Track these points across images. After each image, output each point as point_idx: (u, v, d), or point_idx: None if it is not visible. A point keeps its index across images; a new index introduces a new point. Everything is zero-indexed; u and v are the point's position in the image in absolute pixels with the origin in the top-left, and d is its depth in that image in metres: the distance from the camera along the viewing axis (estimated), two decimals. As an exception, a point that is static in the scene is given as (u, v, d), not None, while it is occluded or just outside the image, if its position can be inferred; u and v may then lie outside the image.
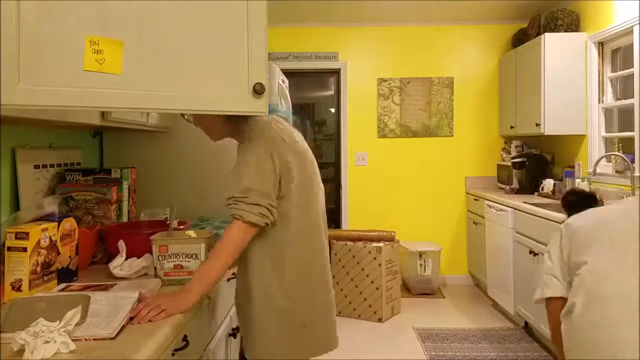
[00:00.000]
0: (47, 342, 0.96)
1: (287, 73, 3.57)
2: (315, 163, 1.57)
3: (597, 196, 1.63)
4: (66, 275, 1.46)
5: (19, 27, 1.03)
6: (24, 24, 1.03)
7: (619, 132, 3.54)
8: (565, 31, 3.83)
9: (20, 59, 1.03)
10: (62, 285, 1.41)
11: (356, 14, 4.46)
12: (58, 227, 1.42)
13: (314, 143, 4.91)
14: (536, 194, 3.97)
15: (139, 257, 1.59)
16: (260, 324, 1.44)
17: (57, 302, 1.16)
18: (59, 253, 1.43)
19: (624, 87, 3.45)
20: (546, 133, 3.80)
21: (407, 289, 4.44)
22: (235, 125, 1.49)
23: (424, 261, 4.31)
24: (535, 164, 4.16)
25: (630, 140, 3.25)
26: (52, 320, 1.01)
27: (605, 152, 3.58)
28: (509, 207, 3.65)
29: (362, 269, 3.80)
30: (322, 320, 1.51)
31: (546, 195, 3.84)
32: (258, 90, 1.22)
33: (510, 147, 4.56)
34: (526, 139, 4.49)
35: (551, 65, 3.76)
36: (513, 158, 4.27)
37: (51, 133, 1.90)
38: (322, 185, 1.60)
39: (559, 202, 3.54)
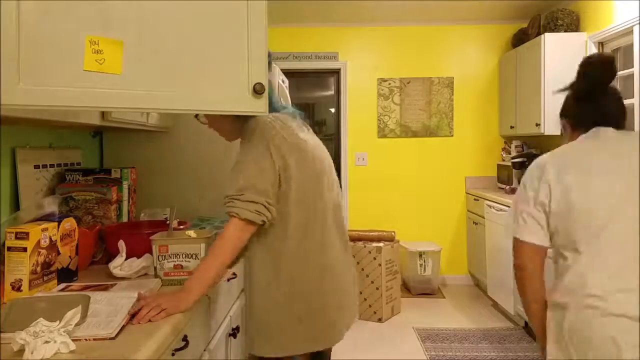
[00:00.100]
0: (47, 342, 0.96)
1: (287, 73, 3.57)
2: (328, 160, 1.56)
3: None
4: (66, 275, 1.46)
5: (19, 27, 1.03)
6: (24, 24, 1.03)
7: (619, 132, 3.54)
8: (565, 31, 3.83)
9: (20, 59, 1.03)
10: (62, 285, 1.41)
11: (356, 14, 4.46)
12: (58, 227, 1.42)
13: (314, 143, 4.91)
14: (536, 194, 3.97)
15: (139, 257, 1.59)
16: (261, 319, 1.47)
17: (57, 302, 1.16)
18: (59, 253, 1.43)
19: (624, 87, 3.44)
20: (546, 133, 3.80)
21: (407, 289, 4.44)
22: (242, 125, 1.49)
23: (424, 261, 4.31)
24: (535, 164, 4.15)
25: (630, 140, 3.24)
26: (52, 320, 1.01)
27: (605, 152, 3.57)
28: (509, 207, 3.65)
29: (362, 269, 3.81)
30: (321, 316, 1.48)
31: (546, 195, 3.83)
32: (258, 90, 1.22)
33: (510, 147, 4.56)
34: (526, 139, 4.49)
35: (551, 65, 3.76)
36: (513, 158, 4.27)
37: (51, 133, 1.90)
38: (336, 183, 1.58)
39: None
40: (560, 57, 3.75)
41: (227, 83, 1.21)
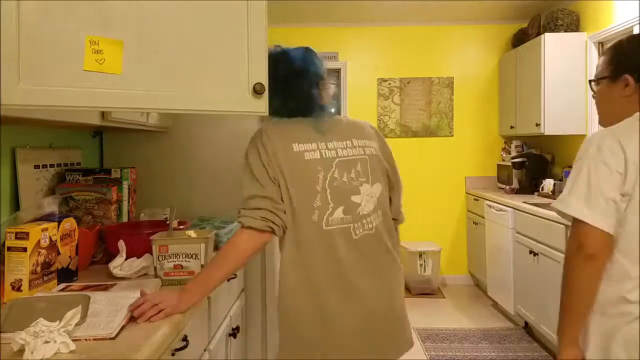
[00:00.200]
0: (47, 342, 0.96)
1: (287, 73, 3.56)
2: (330, 175, 1.38)
3: None
4: (66, 275, 1.46)
5: (19, 27, 1.03)
6: (24, 24, 1.03)
7: (619, 132, 3.54)
8: (565, 31, 3.83)
9: (20, 59, 1.03)
10: (62, 285, 1.41)
11: (356, 14, 4.46)
12: (58, 227, 1.42)
13: (314, 143, 4.91)
14: (536, 194, 3.97)
15: (139, 257, 1.59)
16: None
17: (57, 302, 1.16)
18: (59, 253, 1.42)
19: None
20: (546, 133, 3.80)
21: (407, 289, 4.44)
22: None
23: (424, 261, 4.31)
24: (535, 164, 4.16)
25: (630, 140, 3.25)
26: (52, 320, 1.01)
27: (605, 152, 3.57)
28: (509, 207, 3.65)
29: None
30: (310, 330, 1.38)
31: (546, 195, 3.83)
32: (258, 90, 1.22)
33: (510, 147, 4.56)
34: (526, 139, 4.49)
35: (551, 65, 3.76)
36: (513, 158, 4.27)
37: (51, 133, 1.90)
38: (345, 190, 1.39)
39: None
40: (560, 57, 3.75)
41: (227, 83, 1.21)
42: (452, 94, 4.77)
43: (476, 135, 4.78)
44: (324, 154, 1.39)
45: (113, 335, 1.05)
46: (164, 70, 1.16)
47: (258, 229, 1.33)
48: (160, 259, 1.49)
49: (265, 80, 1.23)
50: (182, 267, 1.48)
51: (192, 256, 1.49)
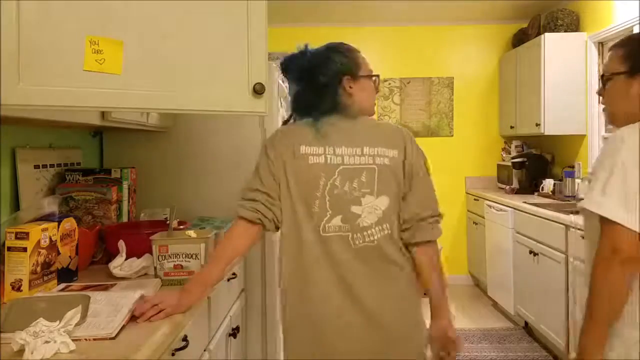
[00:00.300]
0: (47, 342, 0.96)
1: (287, 73, 3.56)
2: (332, 181, 1.35)
3: None
4: (66, 275, 1.46)
5: (19, 27, 1.03)
6: (24, 24, 1.03)
7: (619, 132, 3.54)
8: (565, 31, 3.83)
9: (20, 58, 1.03)
10: (62, 285, 1.41)
11: (356, 14, 4.46)
12: (58, 227, 1.42)
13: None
14: (536, 194, 3.97)
15: (139, 257, 1.59)
16: None
17: (57, 302, 1.16)
18: (59, 253, 1.42)
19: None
20: (546, 133, 3.80)
21: (407, 289, 4.44)
22: None
23: (424, 261, 4.30)
24: (535, 164, 4.16)
25: (630, 140, 3.24)
26: (52, 320, 1.01)
27: (605, 152, 3.57)
28: (509, 207, 3.65)
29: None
30: (299, 332, 1.39)
31: (546, 195, 3.84)
32: (258, 90, 1.22)
33: (510, 147, 4.56)
34: (526, 139, 4.49)
35: (551, 65, 3.76)
36: (513, 158, 4.27)
37: (51, 133, 1.90)
38: (345, 195, 1.34)
39: (559, 202, 3.55)
40: (560, 57, 3.75)
41: (227, 83, 1.21)
42: (452, 94, 4.77)
43: (476, 135, 4.78)
44: (329, 160, 1.35)
45: (113, 335, 1.05)
46: (164, 70, 1.16)
47: (249, 219, 1.35)
48: (160, 259, 1.49)
49: (265, 80, 1.23)
50: (182, 267, 1.48)
51: (192, 256, 1.49)
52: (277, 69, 1.75)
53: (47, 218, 1.46)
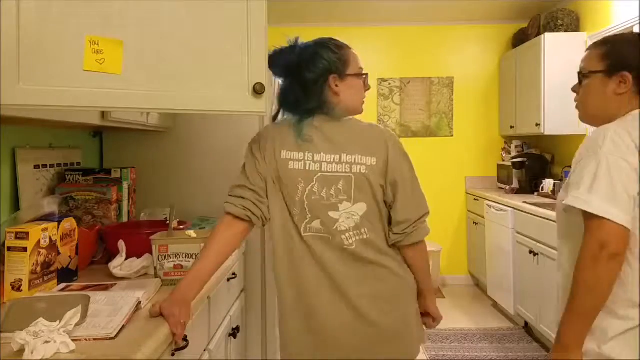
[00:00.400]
0: (47, 342, 0.96)
1: (287, 73, 3.56)
2: (310, 187, 1.37)
3: None
4: (66, 275, 1.46)
5: (19, 27, 1.03)
6: (24, 24, 1.03)
7: (619, 132, 3.53)
8: (565, 31, 3.83)
9: (20, 59, 1.03)
10: (62, 285, 1.41)
11: (356, 14, 4.46)
12: (58, 227, 1.42)
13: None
14: (536, 194, 3.97)
15: (139, 257, 1.59)
16: None
17: (57, 302, 1.16)
18: (59, 253, 1.42)
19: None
20: (546, 133, 3.80)
21: (407, 289, 4.44)
22: None
23: (424, 261, 4.31)
24: (535, 164, 4.16)
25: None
26: (52, 320, 1.01)
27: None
28: (509, 207, 3.65)
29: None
30: (288, 331, 1.42)
31: (546, 195, 3.83)
32: (258, 90, 1.22)
33: (510, 147, 4.56)
34: (526, 139, 4.49)
35: (551, 65, 3.76)
36: (513, 158, 4.27)
37: (51, 133, 1.90)
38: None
39: (559, 202, 3.55)
40: (560, 57, 3.75)
41: (227, 83, 1.21)
42: (452, 94, 4.77)
43: (476, 135, 4.78)
44: (307, 166, 1.36)
45: (113, 335, 1.05)
46: (164, 70, 1.16)
47: (236, 215, 1.37)
48: (160, 259, 1.49)
49: (265, 80, 1.23)
50: (182, 267, 1.48)
51: (192, 256, 1.49)
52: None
53: (47, 218, 1.46)
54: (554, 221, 2.97)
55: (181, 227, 1.82)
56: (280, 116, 1.49)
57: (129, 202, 2.02)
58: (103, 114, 1.62)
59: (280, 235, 1.40)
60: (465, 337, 3.43)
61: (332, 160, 1.36)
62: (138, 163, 2.24)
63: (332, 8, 4.27)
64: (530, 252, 3.27)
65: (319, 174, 1.36)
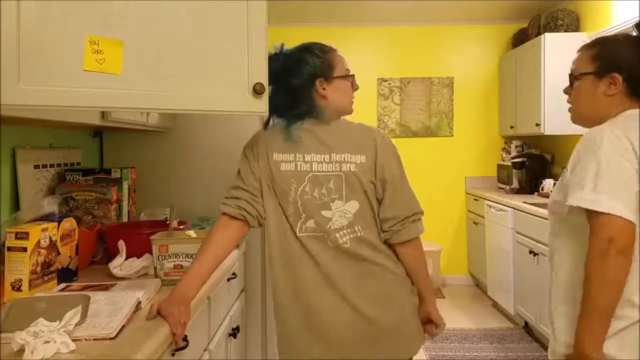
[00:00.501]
0: (47, 342, 0.96)
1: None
2: (301, 188, 1.39)
3: None
4: (66, 275, 1.46)
5: (19, 27, 1.03)
6: (24, 24, 1.03)
7: (619, 132, 3.53)
8: (565, 31, 3.83)
9: (20, 59, 1.03)
10: (62, 285, 1.41)
11: (356, 14, 4.46)
12: (58, 227, 1.42)
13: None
14: (536, 194, 3.97)
15: (139, 257, 1.59)
16: None
17: (57, 302, 1.16)
18: (59, 253, 1.42)
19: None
20: (546, 133, 3.80)
21: (407, 289, 4.44)
22: None
23: (424, 261, 4.31)
24: (535, 164, 4.16)
25: (630, 140, 3.25)
26: (52, 320, 1.01)
27: (605, 152, 3.57)
28: (509, 207, 3.65)
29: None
30: (287, 331, 1.43)
31: (546, 195, 3.83)
32: (258, 90, 1.22)
33: (510, 147, 4.56)
34: (526, 139, 4.49)
35: (551, 65, 3.76)
36: (513, 158, 4.27)
37: (51, 133, 1.90)
38: (325, 197, 1.38)
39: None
40: (560, 57, 3.75)
41: (227, 83, 1.21)
42: (452, 94, 4.77)
43: (476, 135, 4.78)
44: (299, 167, 1.39)
45: (113, 335, 1.05)
46: (164, 70, 1.16)
47: (232, 215, 1.38)
48: (160, 259, 1.49)
49: (265, 80, 1.23)
50: (182, 267, 1.48)
51: (192, 256, 1.49)
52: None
53: (47, 218, 1.46)
54: (554, 221, 2.97)
55: (181, 227, 1.82)
56: (271, 122, 1.50)
57: (129, 202, 2.02)
58: (103, 114, 1.62)
59: (275, 236, 1.41)
60: (465, 337, 3.43)
61: (322, 160, 1.38)
62: (138, 163, 2.24)
63: (332, 8, 4.27)
64: (530, 252, 3.27)
65: (310, 173, 1.38)
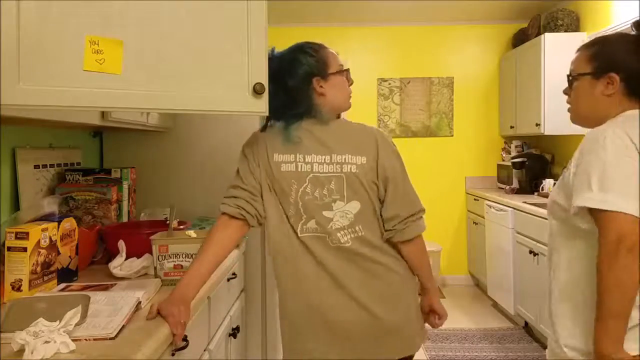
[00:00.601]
0: (47, 342, 0.96)
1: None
2: (302, 188, 1.38)
3: None
4: (66, 275, 1.46)
5: (19, 27, 1.03)
6: (24, 24, 1.03)
7: (619, 132, 3.54)
8: (565, 31, 3.83)
9: (20, 59, 1.03)
10: (62, 285, 1.41)
11: (356, 14, 4.46)
12: (58, 227, 1.42)
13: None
14: (536, 194, 3.97)
15: (139, 257, 1.59)
16: None
17: (57, 302, 1.16)
18: (59, 253, 1.42)
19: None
20: (546, 133, 3.80)
21: (407, 289, 4.44)
22: None
23: (424, 261, 4.31)
24: (535, 164, 4.16)
25: (630, 140, 3.25)
26: (52, 320, 1.01)
27: (605, 152, 3.57)
28: (509, 207, 3.65)
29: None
30: (292, 330, 1.44)
31: (546, 195, 3.83)
32: (258, 90, 1.22)
33: (510, 147, 4.56)
34: (526, 139, 4.49)
35: (551, 65, 3.77)
36: (513, 158, 4.27)
37: (51, 133, 1.90)
38: (326, 197, 1.38)
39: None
40: (560, 57, 3.74)
41: (227, 83, 1.21)
42: (452, 94, 4.77)
43: (476, 135, 4.78)
44: (299, 168, 1.39)
45: (113, 335, 1.05)
46: (164, 70, 1.16)
47: (231, 215, 1.38)
48: (160, 259, 1.49)
49: (265, 80, 1.23)
50: (182, 267, 1.48)
51: (192, 256, 1.49)
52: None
53: (47, 218, 1.46)
54: (554, 221, 2.97)
55: (181, 227, 1.82)
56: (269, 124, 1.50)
57: (129, 202, 2.02)
58: (103, 114, 1.62)
59: (277, 237, 1.41)
60: (465, 337, 3.43)
61: (322, 161, 1.38)
62: (138, 163, 2.24)
63: (332, 8, 4.27)
64: (530, 252, 3.27)
65: (311, 174, 1.38)
